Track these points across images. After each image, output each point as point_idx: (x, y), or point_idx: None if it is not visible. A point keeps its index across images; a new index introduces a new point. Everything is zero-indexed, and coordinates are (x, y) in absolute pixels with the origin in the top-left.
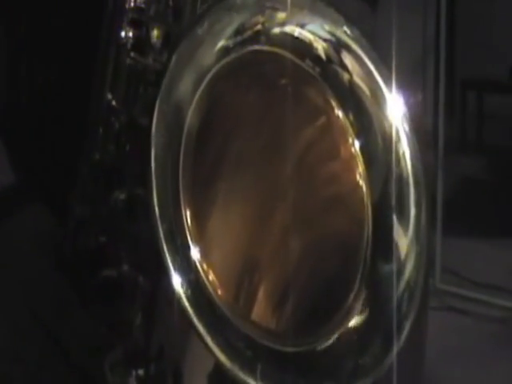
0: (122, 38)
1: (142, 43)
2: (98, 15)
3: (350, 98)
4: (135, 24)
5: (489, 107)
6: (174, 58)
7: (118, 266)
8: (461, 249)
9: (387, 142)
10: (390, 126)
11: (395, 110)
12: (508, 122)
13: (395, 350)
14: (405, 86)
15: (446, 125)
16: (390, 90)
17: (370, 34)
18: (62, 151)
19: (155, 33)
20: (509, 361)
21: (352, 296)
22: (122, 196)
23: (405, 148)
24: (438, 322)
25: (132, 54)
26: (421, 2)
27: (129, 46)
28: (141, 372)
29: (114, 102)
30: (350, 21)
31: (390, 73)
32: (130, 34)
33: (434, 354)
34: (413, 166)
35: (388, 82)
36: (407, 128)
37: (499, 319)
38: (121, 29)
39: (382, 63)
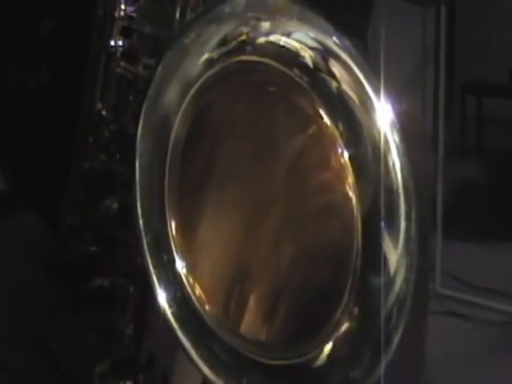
0: (112, 47)
1: (131, 52)
2: (87, 24)
3: (339, 106)
4: (125, 33)
5: (488, 111)
6: (160, 67)
7: (108, 276)
8: (461, 253)
9: (377, 151)
10: (380, 135)
11: (384, 118)
12: (508, 125)
13: (383, 363)
14: (397, 94)
15: (445, 128)
16: (379, 99)
17: (361, 43)
18: (52, 159)
19: (145, 41)
20: (509, 365)
21: (341, 308)
22: (113, 205)
23: (395, 159)
24: (438, 326)
25: (122, 63)
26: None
27: (118, 54)
28: (129, 383)
29: (104, 111)
30: (340, 30)
31: (380, 81)
32: (120, 43)
33: (435, 357)
34: (403, 177)
35: (377, 90)
36: (397, 139)
37: (499, 323)
38: (110, 38)
39: (372, 71)
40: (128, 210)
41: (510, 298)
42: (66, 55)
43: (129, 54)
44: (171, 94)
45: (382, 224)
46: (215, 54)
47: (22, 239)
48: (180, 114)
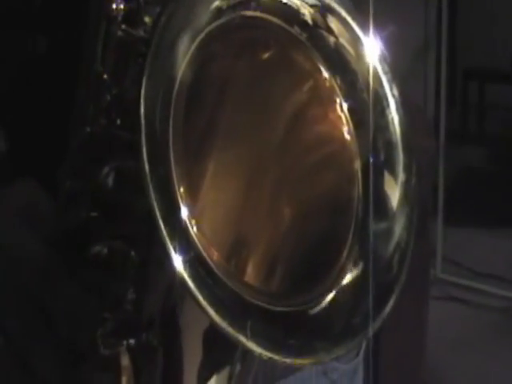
0: (113, 10)
1: (133, 15)
2: None
3: (337, 59)
4: None
5: (490, 97)
6: (163, 18)
7: (109, 241)
8: (462, 239)
9: (375, 102)
10: (376, 86)
11: (374, 53)
12: (509, 111)
13: (370, 317)
14: (398, 79)
15: (447, 114)
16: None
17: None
18: (52, 124)
19: (147, 4)
20: (509, 350)
21: (345, 253)
22: (113, 169)
23: (393, 113)
24: (438, 312)
25: (123, 27)
26: None
27: (120, 18)
28: (132, 341)
29: (104, 75)
30: None
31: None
32: (121, 6)
33: (435, 342)
34: (402, 131)
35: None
36: (396, 93)
37: (500, 309)
38: (112, 1)
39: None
40: (128, 174)
41: (510, 283)
42: (67, 18)
43: (130, 18)
44: (175, 46)
45: (370, 160)
46: (224, 4)
47: (20, 204)
48: (183, 67)
